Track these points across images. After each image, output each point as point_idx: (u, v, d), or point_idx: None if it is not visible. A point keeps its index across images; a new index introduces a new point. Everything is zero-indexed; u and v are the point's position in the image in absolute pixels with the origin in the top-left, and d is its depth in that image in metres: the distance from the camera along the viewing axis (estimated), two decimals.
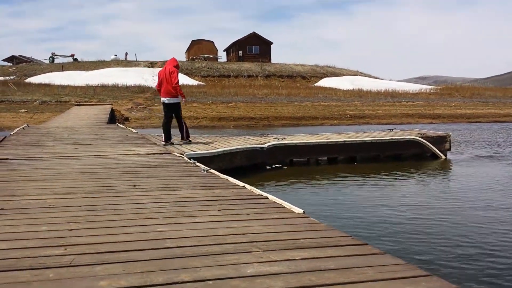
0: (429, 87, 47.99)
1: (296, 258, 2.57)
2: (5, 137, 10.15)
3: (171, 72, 9.17)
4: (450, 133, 12.32)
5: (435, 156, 11.46)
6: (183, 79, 42.35)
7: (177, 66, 9.33)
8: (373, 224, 5.72)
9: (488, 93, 41.06)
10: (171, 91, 9.22)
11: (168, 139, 9.40)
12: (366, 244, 2.86)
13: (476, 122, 26.30)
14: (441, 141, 11.73)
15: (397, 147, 11.34)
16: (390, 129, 13.31)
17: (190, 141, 9.73)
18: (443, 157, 11.48)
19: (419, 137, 11.53)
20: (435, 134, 12.10)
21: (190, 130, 10.21)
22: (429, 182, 8.84)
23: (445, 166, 10.86)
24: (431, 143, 11.48)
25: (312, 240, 2.91)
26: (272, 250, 2.70)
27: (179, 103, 9.46)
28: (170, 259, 2.56)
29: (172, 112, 9.48)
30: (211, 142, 9.93)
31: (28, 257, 2.56)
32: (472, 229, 5.53)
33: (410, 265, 2.52)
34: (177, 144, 9.33)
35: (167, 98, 9.33)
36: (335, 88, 40.69)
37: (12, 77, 44.04)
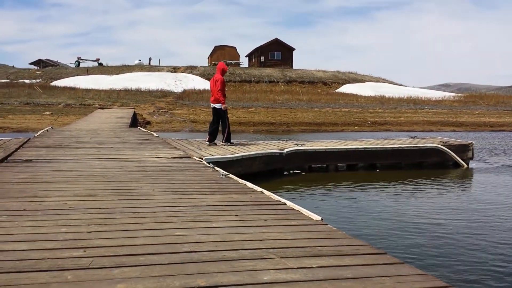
0: (453, 94, 47.31)
1: (313, 266, 2.55)
2: (29, 138, 10.35)
3: (216, 80, 10.21)
4: (473, 142, 12.11)
5: (457, 165, 11.27)
6: (205, 85, 42.66)
7: (223, 71, 10.27)
8: (392, 233, 5.65)
9: None
10: (216, 97, 10.18)
11: (211, 140, 10.33)
12: (385, 253, 2.82)
13: (500, 130, 25.80)
14: (464, 150, 11.53)
15: (418, 155, 11.19)
16: (411, 137, 13.14)
17: (231, 143, 10.46)
18: (465, 165, 11.28)
19: (441, 145, 11.36)
20: (458, 143, 11.90)
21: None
22: (451, 191, 8.69)
23: (467, 175, 10.66)
24: (453, 152, 11.29)
25: (330, 248, 2.88)
26: (289, 257, 2.68)
27: (218, 108, 10.28)
28: (187, 263, 2.56)
29: (217, 116, 10.35)
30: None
31: (47, 259, 2.60)
32: (493, 241, 5.41)
33: (429, 275, 2.48)
34: (221, 145, 10.19)
35: (213, 103, 10.35)
36: (357, 95, 40.44)
37: (38, 80, 44.98)
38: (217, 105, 10.23)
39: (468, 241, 5.33)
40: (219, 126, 10.38)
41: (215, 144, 10.19)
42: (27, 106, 27.61)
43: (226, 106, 10.30)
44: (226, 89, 10.58)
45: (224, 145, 10.22)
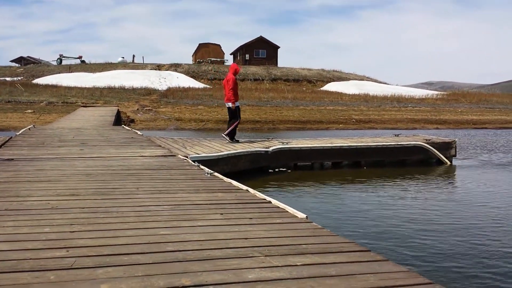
0: (436, 92, 47.85)
1: (298, 264, 2.56)
2: (11, 137, 10.20)
3: (228, 80, 10.83)
4: (456, 139, 12.26)
5: (440, 162, 11.40)
6: (189, 82, 42.50)
7: (236, 72, 10.82)
8: (376, 230, 5.69)
9: (495, 99, 40.88)
10: (228, 96, 10.81)
11: (231, 138, 10.85)
12: (369, 251, 2.84)
13: (482, 128, 26.19)
14: (447, 147, 11.67)
15: (402, 153, 11.30)
16: (395, 135, 13.26)
17: (236, 140, 10.89)
18: (449, 163, 11.42)
19: (425, 143, 11.48)
20: (441, 140, 12.04)
21: (194, 133, 10.92)
22: (434, 188, 8.79)
23: (450, 172, 10.80)
24: (436, 149, 11.43)
25: (314, 245, 2.90)
26: (274, 255, 2.69)
27: (233, 107, 10.80)
28: (171, 263, 2.55)
29: (231, 114, 10.94)
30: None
31: (29, 259, 2.56)
32: (476, 237, 5.49)
33: (413, 272, 2.50)
34: (223, 137, 10.89)
35: (226, 102, 11.06)
36: (341, 93, 40.65)
37: (19, 78, 44.31)
38: (230, 104, 10.78)
39: (451, 238, 5.40)
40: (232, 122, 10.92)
41: (237, 141, 10.78)
42: (8, 104, 27.19)
43: (236, 105, 10.73)
44: (238, 87, 11.05)
45: (224, 137, 10.85)
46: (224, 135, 10.95)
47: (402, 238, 5.34)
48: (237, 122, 10.90)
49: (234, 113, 10.85)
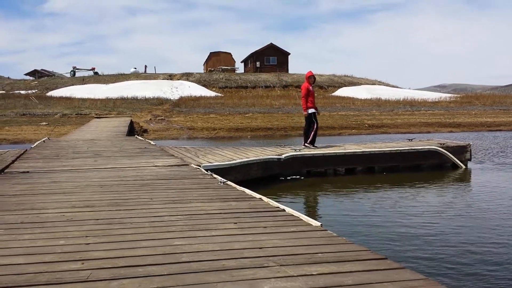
0: (449, 95, 47.44)
1: (314, 273, 2.53)
2: (26, 150, 10.31)
3: (301, 88, 11.34)
4: (471, 143, 12.12)
5: (455, 166, 11.27)
6: (201, 91, 42.70)
7: (309, 80, 11.20)
8: (392, 237, 5.62)
9: (509, 101, 40.41)
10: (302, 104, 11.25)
11: (312, 143, 11.32)
12: (386, 259, 2.80)
13: (497, 130, 25.85)
14: (462, 151, 11.54)
15: (416, 158, 11.18)
16: (409, 139, 13.14)
17: (315, 146, 11.26)
18: (464, 167, 11.28)
19: (439, 147, 11.36)
20: (455, 144, 11.91)
21: (207, 142, 10.96)
22: (450, 193, 8.68)
23: (465, 177, 10.66)
24: (451, 153, 11.30)
25: (330, 254, 2.86)
26: (289, 265, 2.66)
27: (307, 114, 11.19)
28: (186, 274, 2.54)
29: (307, 120, 11.31)
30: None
31: (45, 272, 2.57)
32: (496, 244, 5.39)
33: (431, 280, 2.46)
34: (306, 146, 11.18)
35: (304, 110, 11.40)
36: (353, 98, 40.52)
37: (34, 91, 44.94)
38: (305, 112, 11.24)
39: (469, 245, 5.31)
40: (309, 129, 11.37)
41: (316, 147, 11.19)
42: (23, 117, 27.56)
43: (307, 113, 11.10)
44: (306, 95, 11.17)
45: (307, 146, 11.18)
46: (306, 145, 11.20)
47: (418, 245, 5.27)
48: (315, 129, 11.26)
49: (309, 120, 11.19)
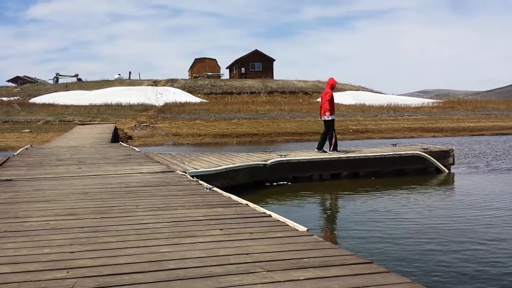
0: (432, 100, 48.03)
1: (300, 278, 2.54)
2: (9, 157, 10.17)
3: (326, 93, 11.40)
4: (453, 148, 12.28)
5: (438, 171, 11.41)
6: (186, 97, 42.59)
7: (332, 86, 11.44)
8: (377, 241, 5.67)
9: (491, 106, 41.04)
10: (325, 107, 11.30)
11: (319, 147, 11.47)
12: (371, 263, 2.83)
13: (479, 135, 26.24)
14: (445, 156, 11.69)
15: (400, 162, 11.30)
16: (393, 144, 13.27)
17: (338, 151, 11.30)
18: (447, 171, 11.43)
19: (422, 152, 11.50)
20: (438, 149, 12.06)
21: (192, 148, 10.79)
22: (433, 197, 8.78)
23: (448, 181, 10.80)
24: (434, 158, 11.44)
25: (316, 259, 2.88)
26: (275, 270, 2.67)
27: (327, 120, 11.30)
28: (172, 281, 2.53)
29: (326, 126, 11.42)
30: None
31: (30, 281, 2.54)
32: (477, 245, 5.47)
33: (416, 283, 2.49)
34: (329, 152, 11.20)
35: (322, 115, 11.49)
36: (338, 103, 40.61)
37: (16, 98, 44.38)
38: (324, 117, 11.31)
39: (453, 247, 5.38)
40: (327, 135, 11.44)
41: (325, 152, 11.24)
42: (5, 124, 27.18)
43: (331, 118, 11.21)
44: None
45: (331, 153, 11.17)
46: (330, 151, 11.19)
47: (403, 249, 5.32)
48: (335, 134, 11.40)
49: (329, 125, 11.30)
